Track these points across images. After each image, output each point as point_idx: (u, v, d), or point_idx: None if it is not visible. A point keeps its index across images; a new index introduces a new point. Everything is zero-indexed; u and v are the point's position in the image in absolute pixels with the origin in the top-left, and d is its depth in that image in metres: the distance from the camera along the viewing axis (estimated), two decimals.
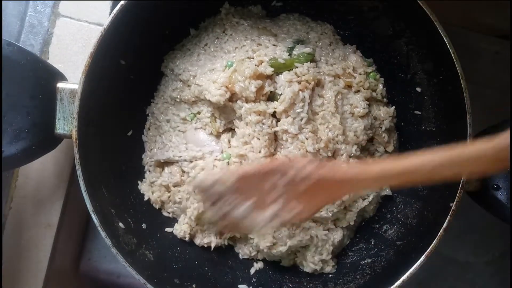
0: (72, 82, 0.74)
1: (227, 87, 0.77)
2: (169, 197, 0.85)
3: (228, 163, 0.78)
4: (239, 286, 0.82)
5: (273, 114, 0.79)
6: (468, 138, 0.73)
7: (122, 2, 0.71)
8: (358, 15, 0.86)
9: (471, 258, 1.05)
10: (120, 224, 0.77)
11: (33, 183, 0.84)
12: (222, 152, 0.81)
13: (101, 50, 0.71)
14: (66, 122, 0.73)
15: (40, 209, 0.84)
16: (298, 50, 0.82)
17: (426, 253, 0.70)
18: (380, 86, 0.85)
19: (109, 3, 0.87)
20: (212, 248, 0.84)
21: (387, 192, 0.86)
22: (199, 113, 0.84)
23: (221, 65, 0.82)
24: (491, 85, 1.06)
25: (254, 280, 0.84)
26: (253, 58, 0.80)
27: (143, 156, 0.88)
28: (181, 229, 0.83)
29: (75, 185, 0.87)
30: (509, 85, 1.05)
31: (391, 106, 0.86)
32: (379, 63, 0.88)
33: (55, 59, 0.86)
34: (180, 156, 0.82)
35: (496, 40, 1.09)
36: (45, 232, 0.84)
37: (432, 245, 0.71)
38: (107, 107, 0.78)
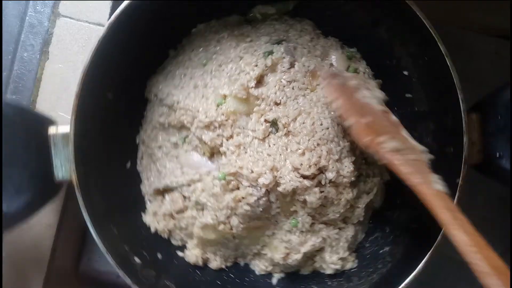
0: (62, 124, 0.72)
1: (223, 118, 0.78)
2: (174, 224, 0.84)
3: (226, 182, 0.77)
4: None
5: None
6: (462, 113, 0.73)
7: (99, 38, 0.71)
8: (337, 9, 0.86)
9: None
10: (136, 259, 0.77)
11: None
12: (219, 170, 0.79)
13: (86, 87, 0.70)
14: (64, 167, 0.71)
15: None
16: (276, 53, 0.81)
17: (442, 231, 0.70)
18: (364, 63, 0.86)
19: (109, 3, 0.87)
20: (227, 268, 0.85)
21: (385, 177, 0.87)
22: (187, 136, 0.83)
23: (204, 84, 0.81)
24: (491, 85, 1.06)
25: None
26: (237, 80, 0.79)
27: (141, 186, 0.87)
28: (192, 254, 0.83)
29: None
30: (509, 85, 1.05)
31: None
32: (363, 52, 0.88)
33: (55, 59, 0.86)
34: (178, 182, 0.81)
35: (496, 40, 1.08)
36: (45, 232, 0.84)
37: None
38: (101, 143, 0.78)
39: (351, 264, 0.84)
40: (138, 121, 0.88)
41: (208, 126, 0.78)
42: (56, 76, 0.86)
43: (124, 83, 0.81)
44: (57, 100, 0.86)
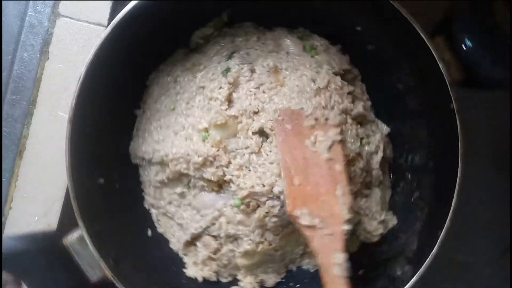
0: (72, 230, 0.72)
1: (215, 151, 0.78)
2: (217, 264, 0.85)
3: (245, 206, 0.78)
4: None
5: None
6: (426, 40, 0.73)
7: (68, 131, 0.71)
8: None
9: (471, 258, 1.05)
10: None
11: (33, 183, 0.84)
12: (233, 198, 0.79)
13: (78, 181, 0.71)
14: (95, 267, 0.71)
15: (40, 208, 0.84)
16: (233, 67, 0.81)
17: (460, 152, 0.72)
18: (316, 37, 0.86)
19: (109, 3, 0.87)
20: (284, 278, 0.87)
21: (386, 130, 0.88)
22: (190, 181, 0.83)
23: (181, 126, 0.81)
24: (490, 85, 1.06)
25: None
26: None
27: (170, 246, 0.88)
28: (246, 283, 0.85)
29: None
30: (509, 85, 1.05)
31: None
32: (311, 27, 0.88)
33: (55, 59, 0.86)
34: (202, 226, 0.82)
35: None
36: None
37: (459, 143, 0.72)
38: (117, 226, 0.80)
39: (391, 222, 0.85)
40: (139, 191, 0.89)
41: (204, 164, 0.78)
42: (56, 76, 0.86)
43: (110, 164, 0.82)
44: (57, 100, 0.86)
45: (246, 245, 0.80)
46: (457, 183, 0.73)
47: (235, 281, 0.86)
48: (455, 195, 0.72)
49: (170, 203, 0.85)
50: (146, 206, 0.88)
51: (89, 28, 0.87)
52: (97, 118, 0.77)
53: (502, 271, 1.03)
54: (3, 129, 0.85)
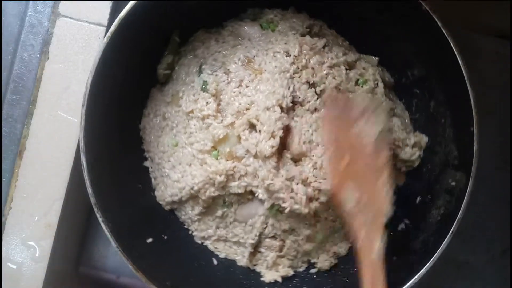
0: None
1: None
2: (288, 259, 0.87)
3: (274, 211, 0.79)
4: None
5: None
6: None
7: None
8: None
9: (471, 258, 1.05)
10: None
11: (33, 182, 0.84)
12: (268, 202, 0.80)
13: (129, 246, 0.73)
14: None
15: (40, 208, 0.84)
16: (208, 78, 0.82)
17: (452, 44, 0.73)
18: (267, 10, 0.86)
19: (109, 3, 0.87)
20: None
21: (375, 60, 0.88)
22: (224, 200, 0.83)
23: (192, 156, 0.81)
24: (491, 85, 1.06)
25: None
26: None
27: (239, 264, 0.88)
28: (322, 260, 0.87)
29: (75, 185, 0.87)
30: (509, 85, 1.05)
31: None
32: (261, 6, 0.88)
33: (55, 59, 0.86)
34: (256, 235, 0.83)
35: (496, 40, 1.08)
36: (45, 232, 0.84)
37: (446, 37, 0.73)
38: (190, 277, 0.83)
39: (423, 141, 0.85)
40: (185, 231, 0.90)
41: (229, 180, 0.78)
42: (56, 76, 0.86)
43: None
44: (57, 100, 0.86)
45: (305, 231, 0.81)
46: (463, 73, 0.73)
47: (310, 266, 0.88)
48: (467, 81, 0.73)
49: (217, 228, 0.86)
50: (198, 241, 0.89)
51: (89, 28, 0.87)
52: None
53: (502, 271, 1.04)
54: (3, 129, 0.85)
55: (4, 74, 0.86)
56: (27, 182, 0.84)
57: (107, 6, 0.87)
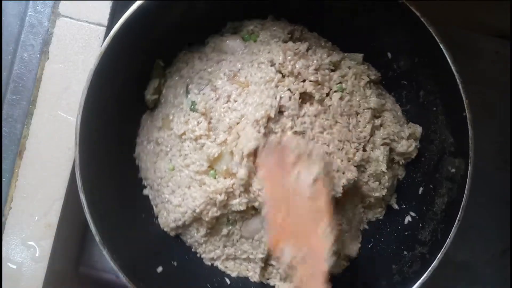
0: None
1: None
2: None
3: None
4: None
5: None
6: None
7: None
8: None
9: (471, 258, 1.05)
10: None
11: (33, 182, 0.84)
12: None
13: (141, 279, 0.73)
14: None
15: (40, 208, 0.84)
16: (196, 97, 0.82)
17: (434, 34, 0.73)
18: (246, 21, 0.86)
19: (109, 3, 0.87)
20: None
21: (359, 57, 0.88)
22: (227, 218, 0.83)
23: (191, 178, 0.81)
24: (491, 85, 1.06)
25: None
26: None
27: (252, 280, 0.88)
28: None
29: (75, 185, 0.87)
30: (509, 85, 1.05)
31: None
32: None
33: (55, 59, 0.86)
34: (265, 249, 0.83)
35: (496, 40, 1.09)
36: (45, 232, 0.84)
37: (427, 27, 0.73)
38: None
39: (418, 131, 0.86)
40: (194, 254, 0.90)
41: (229, 198, 0.78)
42: (56, 76, 0.86)
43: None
44: (57, 100, 0.86)
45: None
46: (448, 60, 0.73)
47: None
48: (452, 67, 0.73)
49: (225, 247, 0.86)
50: (208, 262, 0.89)
51: (89, 28, 0.87)
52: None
53: (502, 271, 1.04)
54: (3, 129, 0.85)
55: (4, 74, 0.86)
56: (27, 182, 0.84)
57: (107, 6, 0.87)
